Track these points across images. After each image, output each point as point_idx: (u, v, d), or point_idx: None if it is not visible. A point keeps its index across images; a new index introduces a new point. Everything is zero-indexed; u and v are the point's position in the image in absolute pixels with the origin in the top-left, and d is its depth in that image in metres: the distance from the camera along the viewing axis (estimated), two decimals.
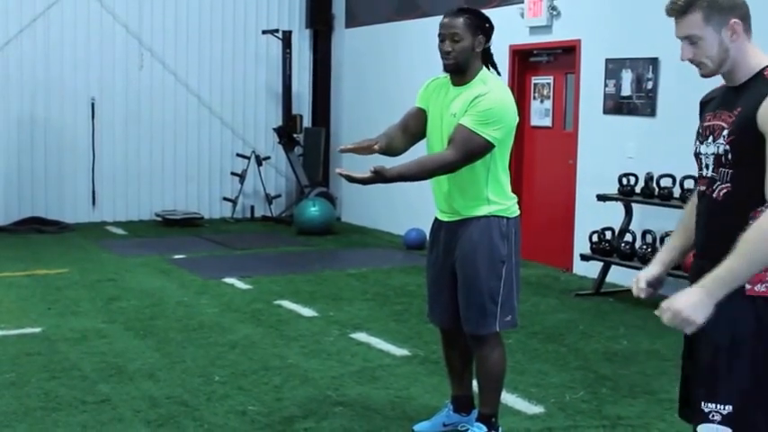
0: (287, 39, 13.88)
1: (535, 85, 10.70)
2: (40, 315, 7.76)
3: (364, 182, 4.53)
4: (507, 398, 5.64)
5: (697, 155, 3.25)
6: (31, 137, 13.09)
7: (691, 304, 2.89)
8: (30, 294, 8.56)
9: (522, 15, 10.42)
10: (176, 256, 10.72)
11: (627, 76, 9.22)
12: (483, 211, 4.73)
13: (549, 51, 10.47)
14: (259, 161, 14.05)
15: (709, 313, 2.91)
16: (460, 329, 4.90)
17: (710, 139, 3.16)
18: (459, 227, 4.79)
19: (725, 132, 3.09)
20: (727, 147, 3.07)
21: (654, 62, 8.88)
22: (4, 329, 7.26)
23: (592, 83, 9.67)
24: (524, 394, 5.82)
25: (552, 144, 10.49)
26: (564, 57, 10.27)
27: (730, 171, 3.09)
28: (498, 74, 4.86)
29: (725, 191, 3.11)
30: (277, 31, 13.93)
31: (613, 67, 9.39)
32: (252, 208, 14.38)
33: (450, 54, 4.64)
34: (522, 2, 10.42)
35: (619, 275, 9.01)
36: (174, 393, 5.76)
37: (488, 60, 4.82)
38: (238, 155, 14.16)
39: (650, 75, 8.94)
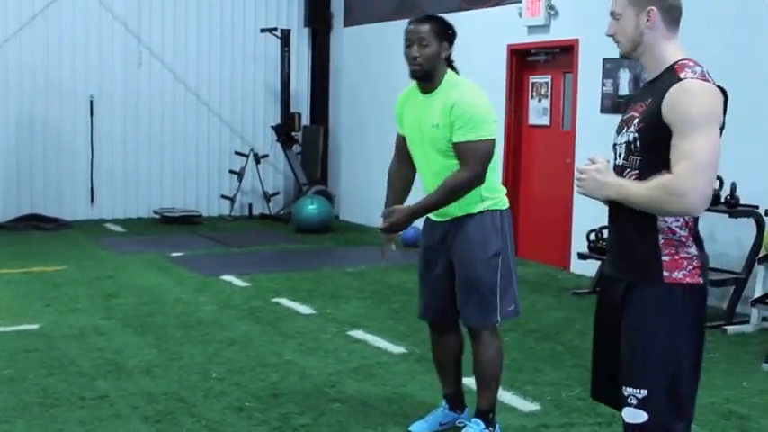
0: (285, 37, 13.91)
1: (533, 84, 10.73)
2: (39, 312, 7.79)
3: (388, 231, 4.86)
4: (503, 395, 5.66)
5: (614, 146, 3.39)
6: (30, 134, 13.12)
7: (596, 177, 3.24)
8: (28, 291, 8.58)
9: (521, 15, 10.46)
10: (174, 254, 10.75)
11: (624, 76, 9.25)
12: (477, 208, 4.79)
13: (547, 51, 10.51)
14: (257, 159, 14.08)
15: (596, 196, 3.28)
16: (450, 322, 5.01)
17: (624, 129, 3.32)
18: (453, 224, 4.85)
19: (635, 121, 3.25)
20: (636, 134, 3.22)
21: None
22: (3, 326, 7.28)
23: (589, 82, 9.71)
24: (520, 392, 5.84)
25: (550, 143, 10.52)
26: (562, 56, 10.31)
27: (638, 158, 3.23)
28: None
29: (633, 177, 3.24)
30: (275, 29, 13.95)
31: (611, 67, 9.42)
32: (250, 206, 14.42)
33: (417, 59, 4.74)
34: (520, 1, 10.46)
35: None
36: (172, 390, 5.78)
37: (450, 67, 4.89)
38: (237, 153, 14.20)
39: (647, 74, 8.94)
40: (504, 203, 4.90)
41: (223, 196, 14.25)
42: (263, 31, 14.02)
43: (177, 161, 14.10)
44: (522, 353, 6.76)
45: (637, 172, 3.23)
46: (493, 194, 4.83)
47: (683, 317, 3.20)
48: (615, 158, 3.35)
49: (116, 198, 13.76)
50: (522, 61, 10.84)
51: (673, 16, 3.28)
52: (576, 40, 9.89)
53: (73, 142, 13.34)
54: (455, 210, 4.80)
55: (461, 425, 5.07)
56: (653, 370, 3.20)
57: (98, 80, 13.42)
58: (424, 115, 4.79)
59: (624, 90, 9.22)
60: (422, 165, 4.93)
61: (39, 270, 9.59)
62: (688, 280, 3.21)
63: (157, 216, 13.61)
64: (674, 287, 3.20)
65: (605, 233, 8.79)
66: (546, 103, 10.55)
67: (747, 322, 7.66)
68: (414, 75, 4.80)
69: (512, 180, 10.84)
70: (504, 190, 4.98)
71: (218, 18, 14.17)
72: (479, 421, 4.95)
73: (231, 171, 14.19)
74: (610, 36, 3.40)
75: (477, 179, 4.67)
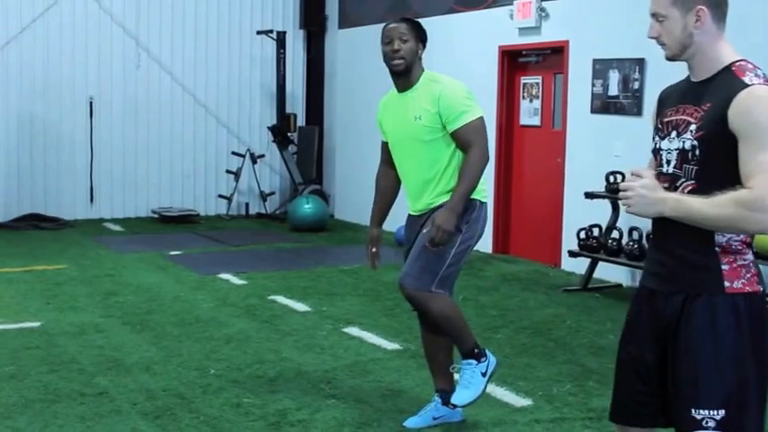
0: (281, 39, 13.97)
1: (524, 84, 10.80)
2: (39, 310, 7.85)
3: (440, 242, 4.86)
4: (496, 390, 5.75)
5: (657, 150, 3.19)
6: (31, 135, 13.20)
7: (645, 194, 3.00)
8: (29, 289, 8.65)
9: (512, 16, 10.54)
10: (173, 253, 10.82)
11: (614, 76, 9.34)
12: None
13: (538, 52, 10.57)
14: (254, 159, 14.15)
15: (646, 214, 3.02)
16: None
17: (674, 134, 3.10)
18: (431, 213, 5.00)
19: (692, 127, 3.03)
20: (695, 142, 3.01)
21: (640, 63, 9.00)
22: (4, 324, 7.34)
23: (580, 83, 9.78)
24: (512, 387, 5.90)
25: (541, 143, 10.59)
26: (552, 57, 10.37)
27: (696, 168, 3.02)
28: None
29: (689, 188, 3.04)
30: (271, 31, 14.01)
31: (601, 68, 9.50)
32: (246, 205, 14.49)
33: (398, 52, 4.91)
34: (512, 3, 10.53)
35: (606, 271, 9.13)
36: (171, 386, 5.84)
37: None
38: (233, 153, 14.27)
39: (637, 75, 9.06)
40: (484, 196, 5.04)
41: (220, 196, 14.32)
42: (258, 33, 14.08)
43: (175, 161, 14.18)
44: (513, 349, 6.83)
45: (693, 182, 3.02)
46: None
47: (746, 328, 3.00)
48: (661, 165, 3.15)
49: (115, 198, 13.84)
50: (514, 62, 10.90)
51: (722, 12, 3.07)
52: (567, 42, 9.97)
53: (72, 143, 13.42)
54: (437, 199, 4.96)
55: (454, 370, 5.18)
56: (728, 387, 2.99)
57: (97, 81, 13.49)
58: (404, 112, 4.99)
59: (614, 90, 9.33)
60: (405, 161, 5.08)
61: (39, 269, 9.66)
62: (748, 289, 3.03)
63: (156, 215, 13.68)
64: (737, 297, 3.01)
65: (595, 231, 8.94)
66: (537, 103, 10.62)
67: None
68: (396, 68, 4.97)
69: (503, 179, 10.92)
70: (485, 187, 5.10)
71: (215, 20, 14.24)
72: (470, 361, 5.05)
73: (228, 171, 14.25)
74: (653, 38, 3.14)
75: (486, 153, 4.90)
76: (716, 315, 3.01)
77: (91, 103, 13.44)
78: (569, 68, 9.97)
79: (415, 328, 7.16)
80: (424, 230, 4.93)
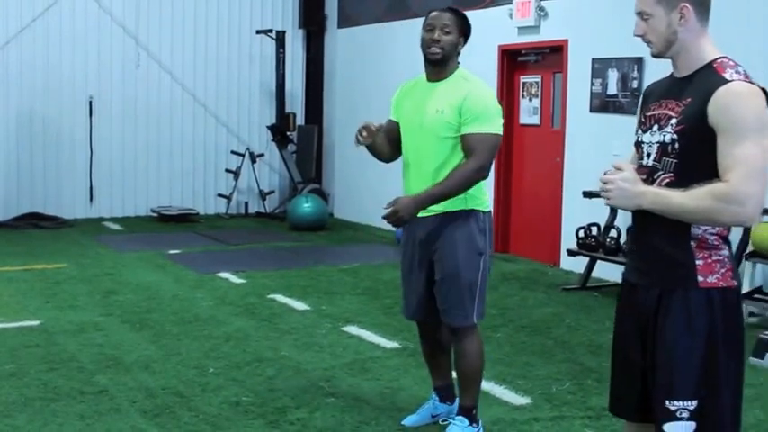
0: (280, 39, 13.99)
1: (524, 84, 10.83)
2: (39, 308, 7.87)
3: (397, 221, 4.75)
4: (495, 389, 5.78)
5: (639, 143, 3.25)
6: (30, 134, 13.22)
7: (625, 187, 3.04)
8: (28, 288, 8.66)
9: (511, 16, 10.56)
10: (172, 252, 10.83)
11: (613, 76, 9.36)
12: (460, 205, 4.81)
13: (537, 51, 10.59)
14: (253, 158, 14.16)
15: (625, 207, 3.09)
16: (437, 321, 5.00)
17: (656, 127, 3.16)
18: (436, 222, 4.84)
19: (673, 121, 3.09)
20: (675, 136, 3.07)
21: (639, 62, 9.01)
22: (4, 322, 7.36)
23: (579, 82, 9.80)
24: (511, 386, 5.91)
25: (540, 142, 10.61)
26: (551, 56, 10.39)
27: (675, 161, 3.08)
28: None
29: (667, 181, 3.09)
30: (271, 31, 14.03)
31: (599, 67, 9.52)
32: (246, 204, 14.51)
33: (438, 43, 4.76)
34: (511, 2, 10.56)
35: (604, 270, 9.13)
36: (170, 384, 5.86)
37: None
38: (233, 152, 14.28)
39: (635, 74, 9.07)
40: (487, 205, 4.93)
41: (220, 195, 14.34)
42: (258, 32, 14.10)
43: (175, 160, 14.19)
44: (513, 347, 6.84)
45: (671, 175, 3.08)
46: (477, 194, 4.84)
47: (719, 322, 3.06)
48: (642, 158, 3.20)
49: (115, 197, 13.85)
50: (513, 61, 10.92)
51: (705, 9, 3.13)
52: (566, 41, 9.99)
53: (72, 142, 13.44)
54: (438, 206, 4.78)
55: (445, 423, 5.11)
56: (701, 379, 3.06)
57: (97, 81, 13.51)
58: (427, 101, 4.83)
59: (612, 89, 9.35)
60: (414, 151, 4.90)
61: (39, 267, 9.67)
62: (722, 284, 3.08)
63: (155, 214, 13.69)
64: (711, 292, 3.06)
65: (594, 230, 8.96)
66: (536, 102, 10.64)
67: None
68: (432, 57, 4.80)
69: (503, 178, 10.93)
70: (488, 193, 5.01)
71: (215, 20, 14.26)
72: (464, 419, 4.97)
73: (227, 170, 14.27)
74: (638, 36, 3.21)
75: (484, 169, 4.73)
76: (690, 310, 3.07)
77: (90, 103, 13.45)
78: (568, 67, 9.99)
79: (413, 327, 7.11)
80: (442, 261, 4.86)
